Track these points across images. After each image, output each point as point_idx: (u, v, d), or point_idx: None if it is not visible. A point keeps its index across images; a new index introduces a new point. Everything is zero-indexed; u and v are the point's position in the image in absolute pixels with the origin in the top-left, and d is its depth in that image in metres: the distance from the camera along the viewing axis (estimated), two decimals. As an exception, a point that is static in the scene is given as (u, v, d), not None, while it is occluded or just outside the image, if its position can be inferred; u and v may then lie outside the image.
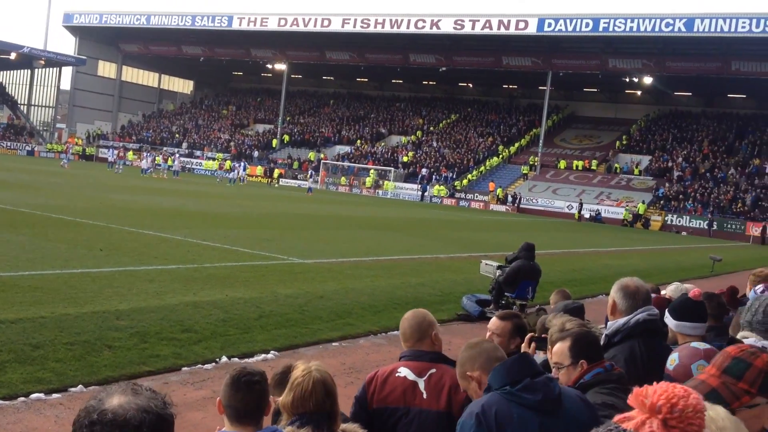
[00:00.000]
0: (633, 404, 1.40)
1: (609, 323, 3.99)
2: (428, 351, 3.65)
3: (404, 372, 3.57)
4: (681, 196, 55.14)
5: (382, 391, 3.55)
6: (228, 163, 61.78)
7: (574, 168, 63.56)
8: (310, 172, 58.07)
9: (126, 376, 6.84)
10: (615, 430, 1.33)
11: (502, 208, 57.53)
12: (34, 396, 6.10)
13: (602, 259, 24.63)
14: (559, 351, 3.37)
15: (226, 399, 2.77)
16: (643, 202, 54.35)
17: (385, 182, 63.58)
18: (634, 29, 56.43)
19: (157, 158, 58.05)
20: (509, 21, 61.36)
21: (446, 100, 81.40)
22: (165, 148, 70.64)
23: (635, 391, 1.44)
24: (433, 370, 3.57)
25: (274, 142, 74.85)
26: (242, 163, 60.87)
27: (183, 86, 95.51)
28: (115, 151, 61.38)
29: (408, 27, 65.31)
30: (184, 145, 74.62)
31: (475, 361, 3.06)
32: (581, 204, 54.94)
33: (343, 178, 65.69)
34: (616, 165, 63.30)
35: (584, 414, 2.81)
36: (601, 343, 3.94)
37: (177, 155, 62.23)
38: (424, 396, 3.51)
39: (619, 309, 3.92)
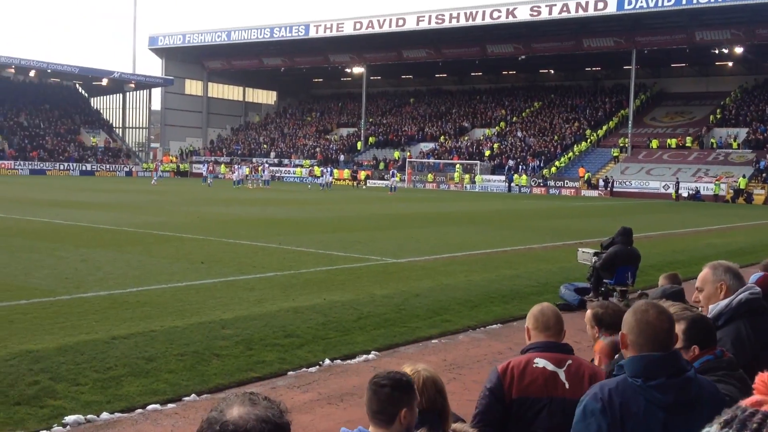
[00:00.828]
0: (760, 389, 1.35)
1: (711, 307, 3.88)
2: (562, 343, 3.74)
3: (542, 362, 3.61)
4: (784, 168, 52.57)
5: (521, 382, 3.57)
6: (317, 169, 62.61)
7: (668, 146, 61.52)
8: (392, 171, 58.13)
9: (235, 383, 7.06)
10: (744, 412, 1.29)
11: (594, 193, 56.27)
12: (150, 407, 6.36)
13: (704, 238, 23.75)
14: None
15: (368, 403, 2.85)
16: (744, 176, 52.08)
17: (471, 175, 63.18)
18: (720, -1, 54.13)
19: (247, 169, 59.56)
20: (587, 2, 59.92)
21: (528, 88, 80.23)
22: (255, 159, 72.35)
23: (759, 377, 1.39)
24: (570, 361, 3.64)
25: (359, 144, 75.55)
26: (329, 168, 61.66)
27: (266, 97, 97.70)
28: (212, 165, 63.32)
29: (483, 18, 64.71)
30: (272, 154, 76.23)
31: (632, 331, 2.83)
32: (678, 183, 53.13)
33: (429, 175, 65.68)
34: (712, 140, 60.87)
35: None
36: None
37: (266, 165, 63.59)
38: (567, 386, 3.55)
39: (732, 291, 3.84)
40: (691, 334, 3.25)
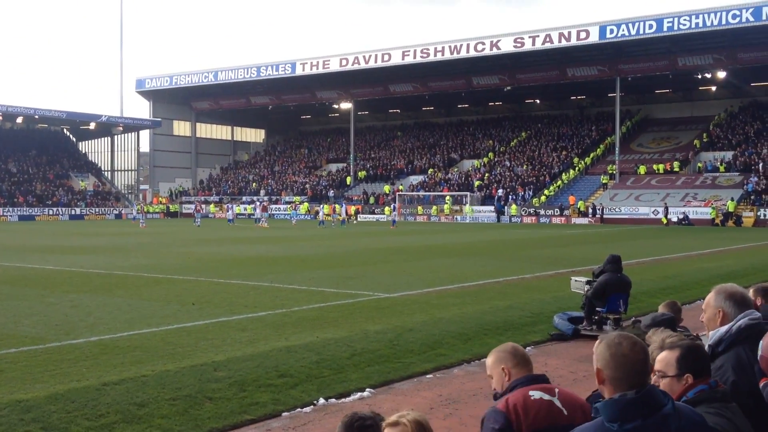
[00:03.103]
0: None
1: (711, 333, 3.87)
2: (539, 374, 3.72)
3: (537, 394, 3.56)
4: (772, 189, 52.96)
5: (527, 416, 3.49)
6: (327, 207, 62.25)
7: (655, 171, 61.97)
8: (393, 205, 58.12)
9: (229, 426, 6.97)
10: None
11: (584, 220, 56.49)
12: (143, 453, 6.27)
13: (695, 262, 23.82)
14: (665, 360, 3.27)
15: None
16: (732, 199, 52.42)
17: (463, 207, 63.42)
18: (701, 25, 54.96)
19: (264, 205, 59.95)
20: (570, 32, 60.75)
21: (514, 118, 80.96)
22: (261, 197, 72.34)
23: None
24: (557, 389, 3.62)
25: (348, 179, 75.77)
26: (342, 204, 61.64)
27: (255, 135, 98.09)
28: (199, 206, 63.29)
29: (468, 51, 65.42)
30: (262, 192, 76.31)
31: (607, 366, 2.80)
32: (667, 208, 53.43)
33: (419, 208, 65.84)
34: (699, 164, 61.37)
35: None
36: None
37: (258, 203, 63.57)
38: (565, 413, 3.53)
39: (731, 318, 3.84)
40: (685, 362, 3.23)
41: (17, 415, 6.93)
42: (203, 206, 67.92)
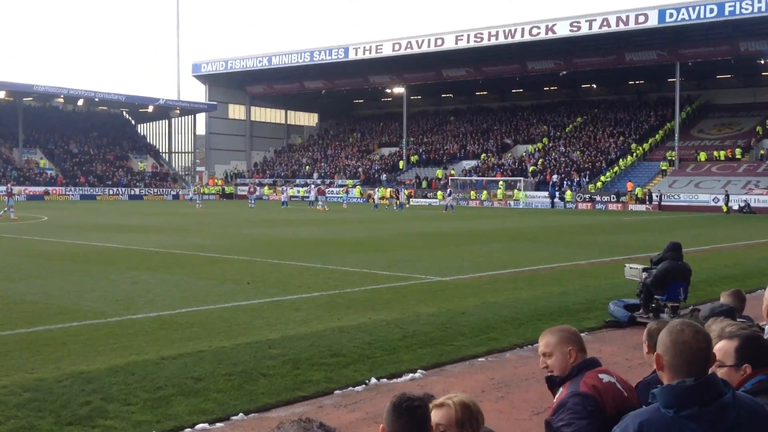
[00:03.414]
0: None
1: None
2: (594, 357, 3.73)
3: (605, 377, 3.59)
4: (839, 178, 51.17)
5: (607, 398, 3.50)
6: (383, 191, 61.93)
7: (716, 159, 60.39)
8: (448, 190, 57.31)
9: (282, 402, 7.07)
10: None
11: (641, 207, 55.42)
12: (199, 426, 6.40)
13: (757, 251, 23.17)
14: (723, 349, 3.21)
15: (389, 425, 2.79)
16: (797, 188, 50.84)
17: (516, 192, 62.86)
18: (763, 9, 53.09)
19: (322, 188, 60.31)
20: (628, 16, 59.39)
21: (570, 103, 79.68)
22: (315, 180, 72.75)
23: None
24: (612, 372, 3.69)
25: (401, 163, 75.73)
26: (401, 189, 61.31)
27: (308, 119, 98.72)
28: (253, 187, 64.08)
29: (522, 35, 64.50)
30: (315, 175, 76.86)
31: (667, 353, 2.76)
32: (728, 195, 52.05)
33: (472, 193, 65.46)
34: (762, 151, 59.56)
35: None
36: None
37: (313, 186, 63.97)
38: (625, 395, 3.58)
39: None
40: (744, 352, 3.15)
41: (79, 385, 7.15)
42: (257, 188, 68.67)
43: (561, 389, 3.60)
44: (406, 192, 65.50)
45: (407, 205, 55.66)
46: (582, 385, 3.49)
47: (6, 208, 36.06)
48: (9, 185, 40.41)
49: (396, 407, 2.78)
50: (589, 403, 3.43)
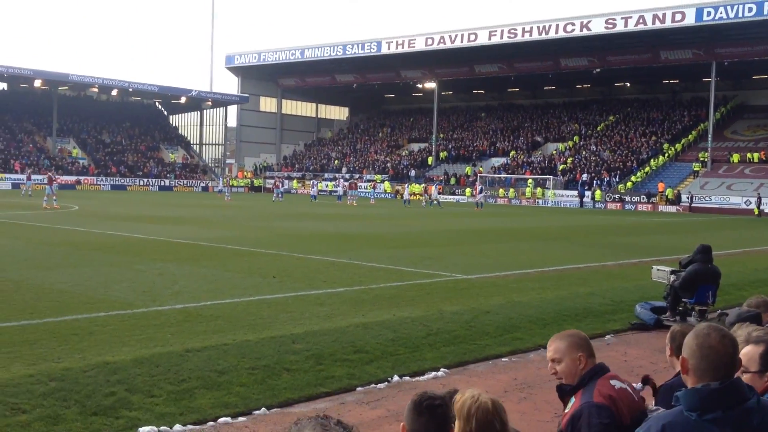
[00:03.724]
0: None
1: None
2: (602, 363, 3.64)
3: (617, 383, 3.53)
4: None
5: (622, 406, 3.44)
6: (417, 187, 61.38)
7: (749, 160, 59.42)
8: (479, 187, 57.06)
9: (305, 397, 7.09)
10: None
11: (672, 208, 54.76)
12: (221, 420, 6.43)
13: (789, 256, 22.78)
14: (748, 355, 3.17)
15: (410, 424, 2.78)
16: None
17: (544, 190, 62.43)
18: (804, 8, 52.15)
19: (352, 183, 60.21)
20: (664, 14, 58.63)
21: (602, 101, 78.89)
22: (344, 175, 72.89)
23: None
24: (620, 378, 3.63)
25: (430, 159, 75.58)
26: (435, 185, 60.49)
27: (339, 113, 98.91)
28: (279, 181, 64.28)
29: (557, 32, 63.97)
30: (344, 169, 76.98)
31: (693, 356, 2.73)
32: (760, 198, 51.22)
33: (501, 190, 65.15)
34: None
35: None
36: None
37: (343, 180, 64.10)
38: (635, 399, 3.53)
39: None
40: None
41: (104, 376, 7.23)
42: (284, 181, 68.91)
43: (573, 399, 3.50)
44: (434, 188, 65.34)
45: (435, 203, 55.04)
46: (596, 395, 3.41)
47: (46, 197, 36.59)
48: (50, 173, 40.93)
49: (417, 405, 2.77)
50: (605, 415, 3.35)
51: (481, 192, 54.44)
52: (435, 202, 54.03)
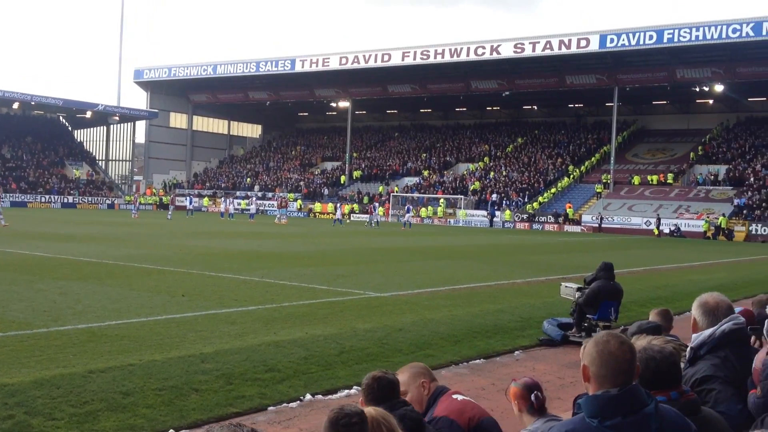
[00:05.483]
0: None
1: (693, 336, 3.89)
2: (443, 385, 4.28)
3: (458, 396, 4.09)
4: (764, 205, 53.10)
5: (466, 416, 3.94)
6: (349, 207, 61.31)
7: (649, 182, 62.10)
8: (407, 207, 57.67)
9: (214, 418, 6.93)
10: None
11: (576, 228, 56.54)
12: (127, 442, 6.23)
13: (686, 274, 23.86)
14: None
15: None
16: (724, 215, 52.53)
17: (456, 210, 63.43)
18: (700, 37, 55.11)
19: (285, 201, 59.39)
20: (570, 40, 60.84)
21: (511, 123, 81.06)
22: (280, 194, 71.96)
23: None
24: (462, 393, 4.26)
25: (343, 178, 75.70)
26: (375, 205, 59.44)
27: (251, 131, 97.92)
28: (193, 198, 63.03)
29: (468, 55, 65.41)
30: (256, 187, 76.17)
31: (593, 363, 2.79)
32: (659, 219, 53.54)
33: (413, 210, 65.80)
34: (698, 175, 61.45)
35: None
36: (687, 357, 3.84)
37: (254, 199, 63.38)
38: (478, 406, 4.14)
39: (700, 327, 3.88)
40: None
41: (2, 399, 6.89)
42: (192, 199, 67.52)
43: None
44: (347, 207, 65.43)
45: (345, 221, 55.11)
46: (439, 411, 3.88)
47: None
48: None
49: (333, 424, 2.74)
50: (445, 426, 3.79)
51: (408, 212, 55.28)
52: (375, 223, 52.42)
